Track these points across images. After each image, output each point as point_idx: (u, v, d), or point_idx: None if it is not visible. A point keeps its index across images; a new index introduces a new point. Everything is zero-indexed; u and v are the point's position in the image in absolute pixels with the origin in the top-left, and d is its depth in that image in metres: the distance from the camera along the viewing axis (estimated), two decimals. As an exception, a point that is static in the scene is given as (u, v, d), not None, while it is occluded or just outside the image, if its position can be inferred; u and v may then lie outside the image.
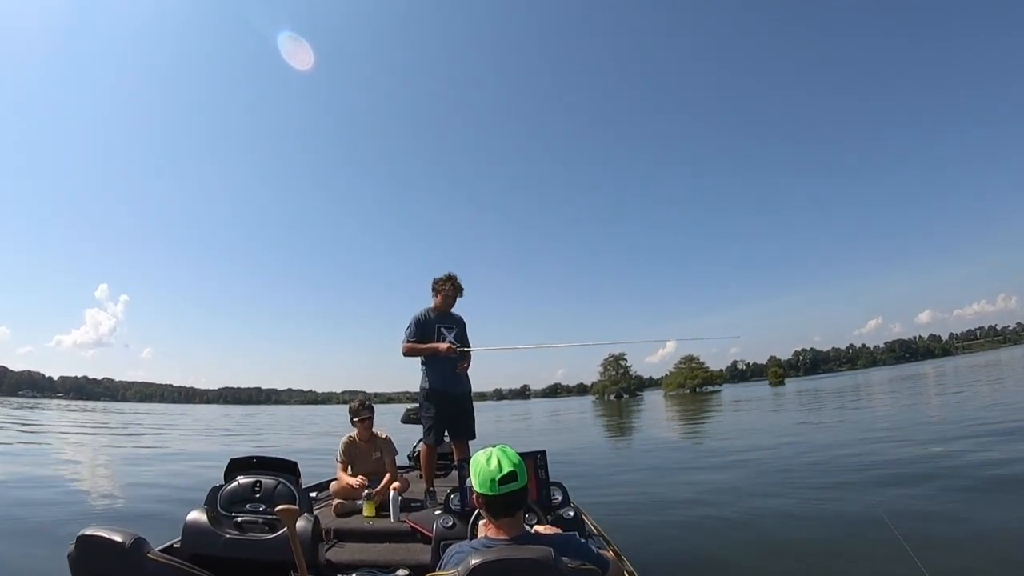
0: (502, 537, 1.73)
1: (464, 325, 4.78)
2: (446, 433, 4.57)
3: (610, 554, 2.17)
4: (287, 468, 3.13)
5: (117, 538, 2.02)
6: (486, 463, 1.75)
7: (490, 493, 1.71)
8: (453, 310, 4.74)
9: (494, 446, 1.84)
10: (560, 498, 3.15)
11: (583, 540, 1.94)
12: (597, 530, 3.50)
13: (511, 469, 1.72)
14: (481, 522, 1.95)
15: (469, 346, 4.66)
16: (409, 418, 6.25)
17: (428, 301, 4.72)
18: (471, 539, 2.08)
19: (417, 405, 5.01)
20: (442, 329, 4.58)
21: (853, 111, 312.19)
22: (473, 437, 4.63)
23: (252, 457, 3.17)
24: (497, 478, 1.70)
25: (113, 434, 25.79)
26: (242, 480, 3.00)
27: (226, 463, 3.16)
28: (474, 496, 1.81)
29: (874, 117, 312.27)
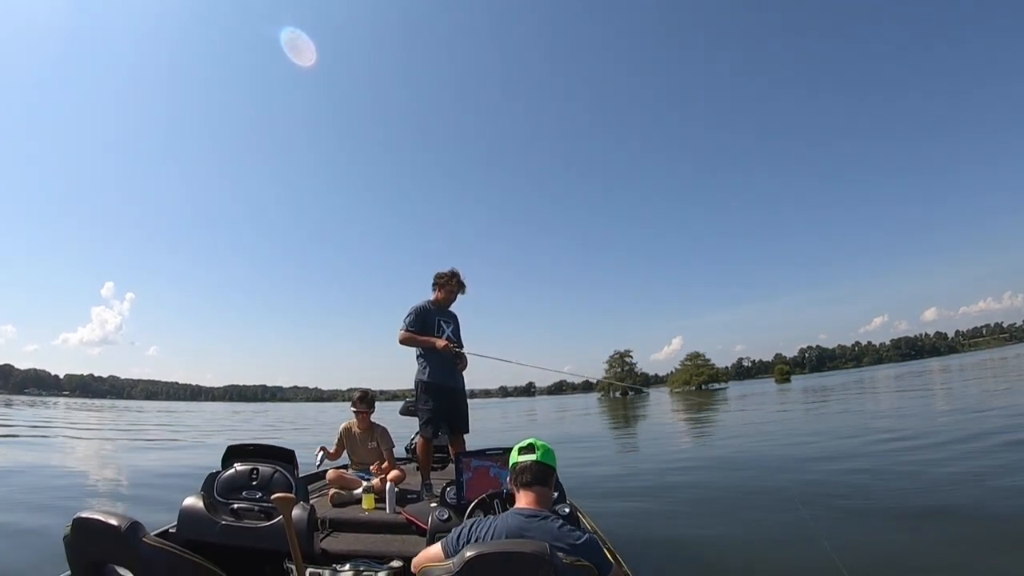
0: (524, 507, 1.96)
1: (458, 322, 4.79)
2: (442, 427, 4.58)
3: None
4: (284, 456, 3.13)
5: (113, 521, 2.05)
6: (520, 442, 2.17)
7: (511, 460, 2.12)
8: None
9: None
10: (556, 494, 3.16)
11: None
12: (592, 527, 3.49)
13: (530, 443, 2.12)
14: None
15: (462, 343, 4.68)
16: (408, 410, 6.25)
17: (430, 297, 4.72)
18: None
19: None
20: (441, 323, 4.61)
21: (858, 111, 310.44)
22: (467, 431, 4.64)
23: (249, 444, 3.18)
24: (519, 447, 2.14)
25: (116, 426, 26.01)
26: (239, 467, 3.01)
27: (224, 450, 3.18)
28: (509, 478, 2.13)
29: (880, 117, 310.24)
